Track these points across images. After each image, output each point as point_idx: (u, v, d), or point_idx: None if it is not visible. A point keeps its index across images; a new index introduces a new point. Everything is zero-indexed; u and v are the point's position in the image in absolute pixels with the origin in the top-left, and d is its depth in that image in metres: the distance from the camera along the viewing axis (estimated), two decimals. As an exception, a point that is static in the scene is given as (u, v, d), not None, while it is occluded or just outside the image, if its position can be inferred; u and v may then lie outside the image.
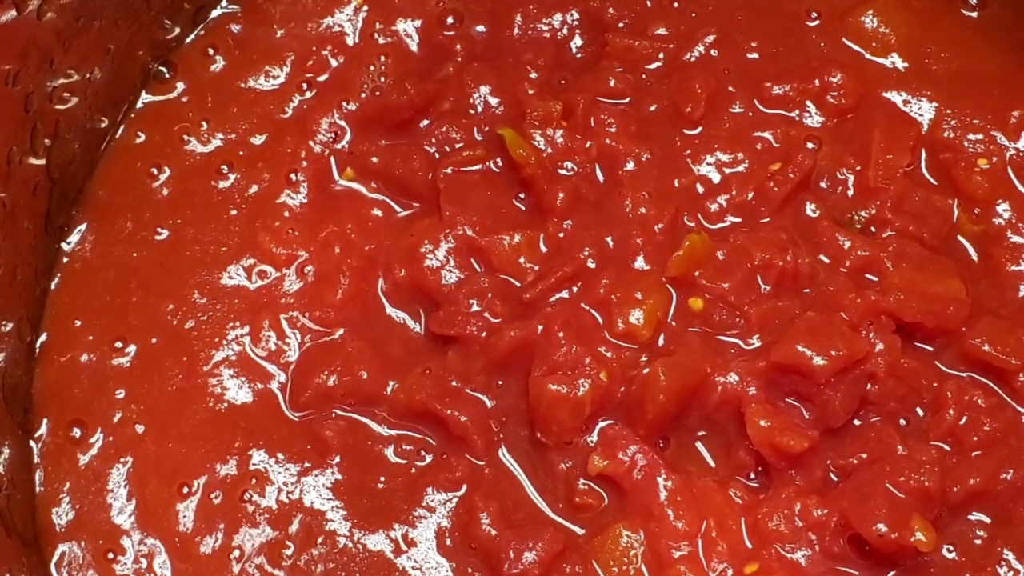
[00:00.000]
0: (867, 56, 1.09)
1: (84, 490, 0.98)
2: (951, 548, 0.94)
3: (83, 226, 1.05)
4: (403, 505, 0.96)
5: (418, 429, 0.98)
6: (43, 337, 1.02)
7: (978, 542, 0.95)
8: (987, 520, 0.95)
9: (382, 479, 0.97)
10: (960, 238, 1.04)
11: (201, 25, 1.10)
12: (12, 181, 0.97)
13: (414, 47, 1.09)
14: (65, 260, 1.04)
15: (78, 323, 1.02)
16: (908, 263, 1.00)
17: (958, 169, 1.04)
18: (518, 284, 1.00)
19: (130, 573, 0.95)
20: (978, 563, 0.94)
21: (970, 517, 0.96)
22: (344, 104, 1.06)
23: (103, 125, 1.07)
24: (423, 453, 0.98)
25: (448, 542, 0.95)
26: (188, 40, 1.10)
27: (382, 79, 1.07)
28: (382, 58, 1.08)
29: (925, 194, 1.04)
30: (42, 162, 1.00)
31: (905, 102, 1.08)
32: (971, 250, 1.04)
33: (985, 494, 0.95)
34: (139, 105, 1.08)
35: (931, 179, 1.05)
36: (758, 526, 0.94)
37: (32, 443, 0.99)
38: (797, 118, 1.06)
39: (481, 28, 1.09)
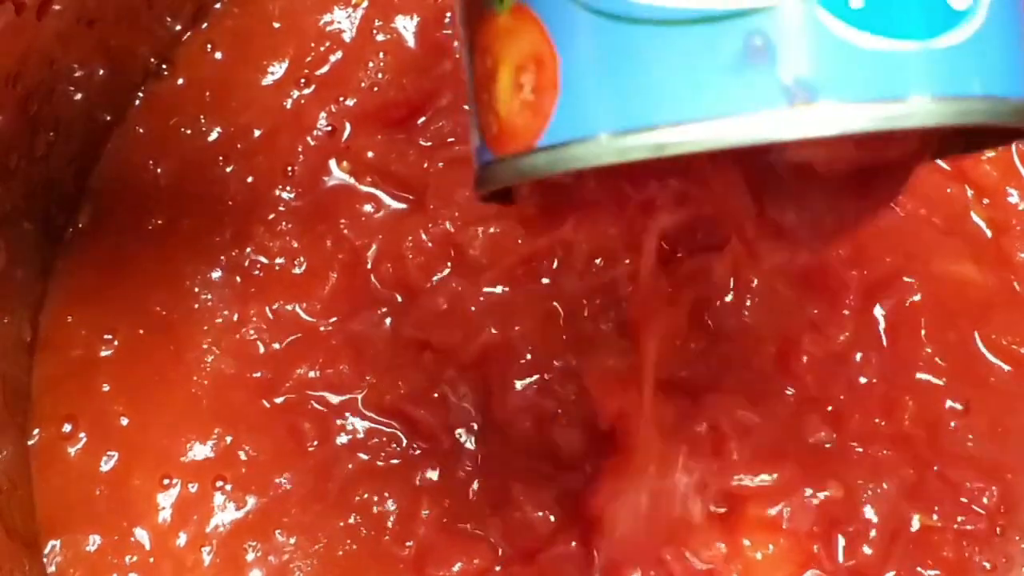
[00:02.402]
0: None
1: (74, 486, 0.97)
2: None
3: (81, 222, 1.05)
4: (362, 497, 0.95)
5: (392, 425, 0.97)
6: (42, 335, 1.02)
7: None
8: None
9: (349, 466, 0.96)
10: (974, 219, 1.02)
11: (204, 23, 1.10)
12: (12, 182, 0.97)
13: (412, 44, 1.08)
14: (62, 256, 1.04)
15: (70, 318, 1.02)
16: (922, 244, 0.99)
17: (965, 157, 1.01)
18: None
19: (120, 569, 0.94)
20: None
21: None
22: (341, 99, 1.05)
23: (103, 124, 1.06)
24: (395, 446, 0.97)
25: (387, 537, 0.94)
26: (186, 36, 1.09)
27: (379, 75, 1.06)
28: (380, 55, 1.07)
29: (937, 179, 1.02)
30: (42, 163, 1.00)
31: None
32: (985, 238, 1.02)
33: None
34: (138, 102, 1.08)
35: (942, 165, 1.03)
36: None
37: (31, 442, 0.99)
38: None
39: None
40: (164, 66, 1.09)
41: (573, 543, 0.91)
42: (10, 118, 0.95)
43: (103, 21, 1.01)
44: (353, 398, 0.97)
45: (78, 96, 1.02)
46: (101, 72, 1.04)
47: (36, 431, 0.99)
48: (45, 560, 0.95)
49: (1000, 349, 0.98)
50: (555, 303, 0.98)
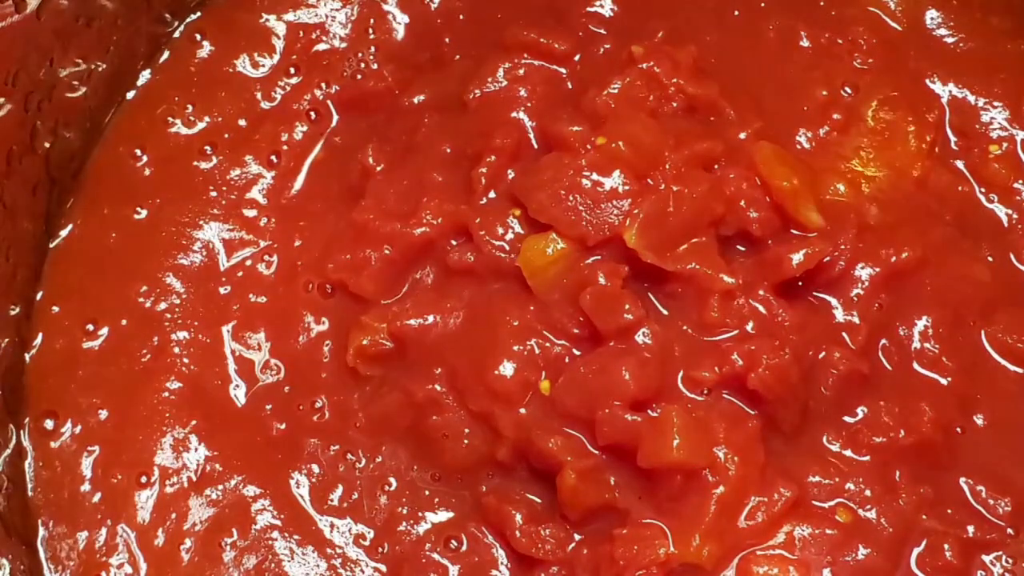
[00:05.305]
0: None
1: (60, 482, 0.96)
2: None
3: (73, 215, 1.04)
4: (332, 495, 0.95)
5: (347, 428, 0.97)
6: (32, 330, 1.01)
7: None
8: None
9: (316, 470, 0.95)
10: (984, 216, 1.00)
11: (197, 13, 1.09)
12: (12, 181, 0.97)
13: (400, 35, 1.07)
14: (53, 249, 1.03)
15: (55, 309, 1.01)
16: (932, 242, 0.96)
17: (973, 156, 1.01)
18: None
19: (107, 567, 0.94)
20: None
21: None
22: (327, 89, 1.05)
23: (99, 118, 1.06)
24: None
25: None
26: (177, 28, 1.09)
27: (362, 65, 1.06)
28: (371, 48, 1.06)
29: (948, 177, 1.00)
30: (42, 161, 1.00)
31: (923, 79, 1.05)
32: (994, 235, 1.00)
33: None
34: (130, 94, 1.07)
35: (952, 162, 1.02)
36: None
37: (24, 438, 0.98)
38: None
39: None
40: (155, 57, 1.08)
41: None
42: (10, 117, 0.95)
43: (102, 19, 1.02)
44: (312, 402, 0.97)
45: (77, 93, 1.02)
46: (99, 69, 1.04)
47: (26, 427, 0.98)
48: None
49: (1006, 348, 0.95)
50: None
